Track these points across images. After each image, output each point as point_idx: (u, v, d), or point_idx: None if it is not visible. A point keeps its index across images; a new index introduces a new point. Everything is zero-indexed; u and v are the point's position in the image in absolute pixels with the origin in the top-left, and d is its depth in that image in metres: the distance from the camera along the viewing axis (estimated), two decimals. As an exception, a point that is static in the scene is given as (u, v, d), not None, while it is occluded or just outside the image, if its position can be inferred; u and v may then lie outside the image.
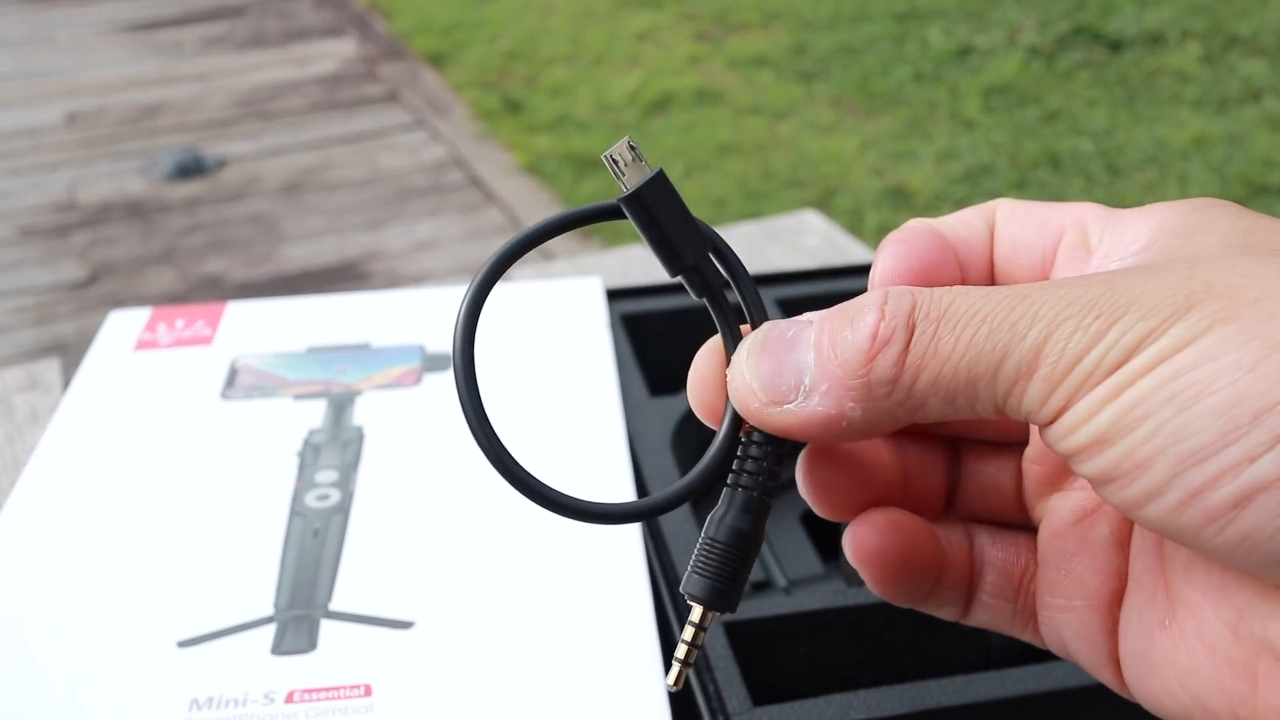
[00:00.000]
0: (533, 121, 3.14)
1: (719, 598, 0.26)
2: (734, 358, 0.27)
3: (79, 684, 0.37)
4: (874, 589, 0.28)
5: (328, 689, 0.37)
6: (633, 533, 0.43)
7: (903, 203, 2.62)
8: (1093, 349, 0.22)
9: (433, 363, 0.52)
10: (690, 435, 0.50)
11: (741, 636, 0.39)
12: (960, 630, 0.40)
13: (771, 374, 0.25)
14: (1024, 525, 0.30)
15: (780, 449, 0.27)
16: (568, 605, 0.40)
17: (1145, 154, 2.75)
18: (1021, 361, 0.23)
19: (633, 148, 0.28)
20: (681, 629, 0.27)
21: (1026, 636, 0.29)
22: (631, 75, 3.37)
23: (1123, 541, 0.27)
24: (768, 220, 0.84)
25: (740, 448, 0.27)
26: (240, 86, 3.45)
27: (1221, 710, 0.23)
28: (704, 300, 0.28)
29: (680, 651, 0.27)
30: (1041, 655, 0.48)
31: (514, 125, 3.13)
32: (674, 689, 0.27)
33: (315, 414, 0.49)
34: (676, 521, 0.44)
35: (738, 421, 0.28)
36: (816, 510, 0.29)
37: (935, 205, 2.61)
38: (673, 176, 2.78)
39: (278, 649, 0.38)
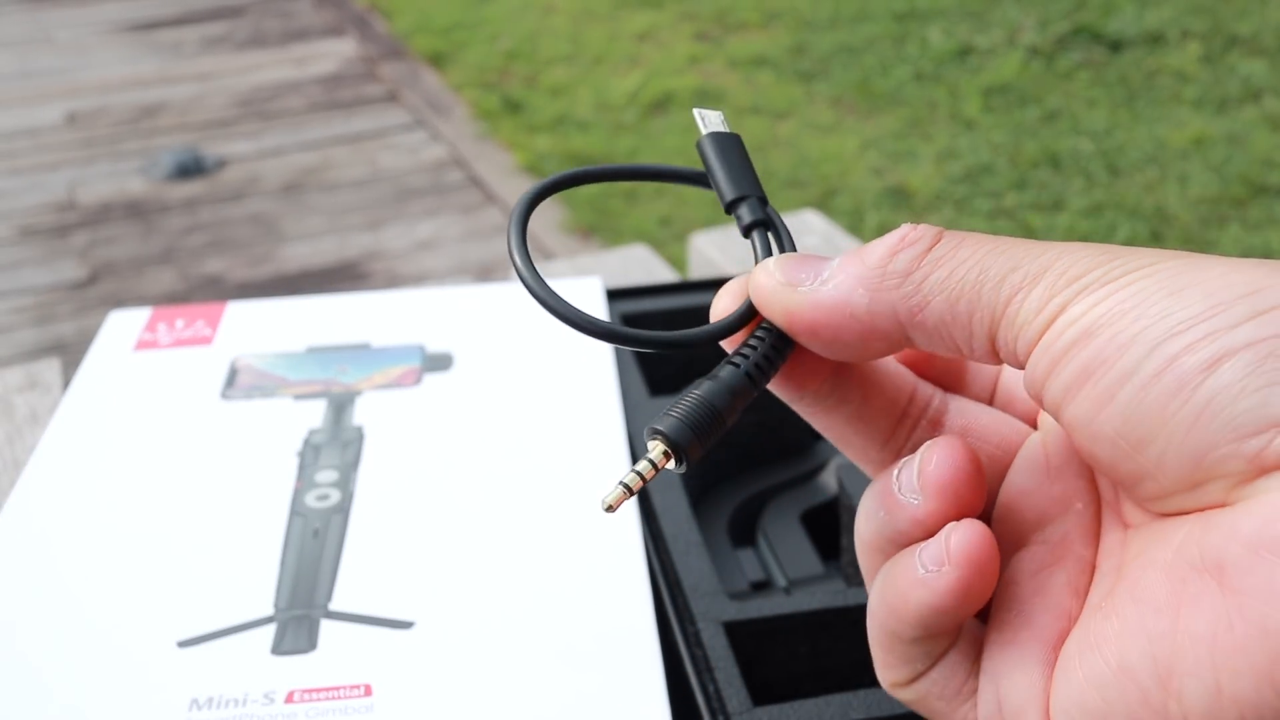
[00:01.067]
0: (533, 121, 3.14)
1: (680, 438, 0.26)
2: (768, 258, 0.28)
3: (79, 684, 0.37)
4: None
5: (328, 689, 0.37)
6: (633, 533, 0.43)
7: (903, 203, 2.62)
8: (1096, 269, 0.24)
9: (433, 363, 0.52)
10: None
11: (741, 636, 0.39)
12: None
13: (794, 266, 0.27)
14: None
15: (780, 342, 0.28)
16: (567, 605, 0.40)
17: (1145, 154, 2.75)
18: (1029, 272, 0.24)
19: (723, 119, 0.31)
20: (636, 462, 0.27)
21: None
22: (632, 75, 3.38)
23: (1091, 539, 0.27)
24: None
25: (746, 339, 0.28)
26: (240, 86, 3.45)
27: (1140, 663, 0.23)
28: (750, 232, 0.30)
29: (628, 478, 0.27)
30: None
31: (514, 125, 3.13)
32: (608, 510, 0.27)
33: (315, 414, 0.49)
34: (677, 522, 0.44)
35: (750, 313, 0.28)
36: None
37: (935, 205, 2.61)
38: (673, 176, 2.78)
39: (278, 649, 0.38)
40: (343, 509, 0.44)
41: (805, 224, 0.82)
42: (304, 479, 0.46)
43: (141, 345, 0.54)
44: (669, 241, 2.45)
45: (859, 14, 3.70)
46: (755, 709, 0.36)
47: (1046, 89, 3.12)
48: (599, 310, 0.56)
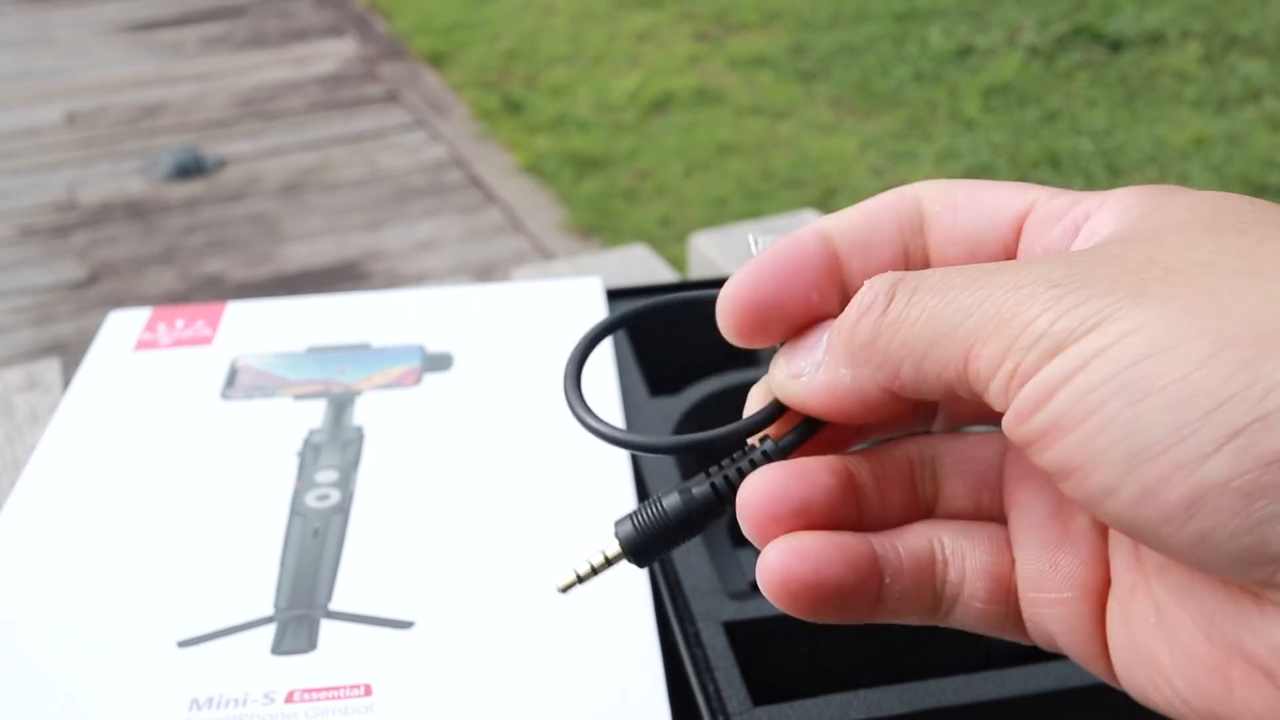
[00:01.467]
0: (532, 121, 3.14)
1: (633, 550, 0.28)
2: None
3: (79, 684, 0.37)
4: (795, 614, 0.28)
5: (328, 689, 0.37)
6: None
7: (903, 203, 2.62)
8: (1043, 315, 0.22)
9: (433, 363, 0.52)
10: (693, 424, 0.50)
11: (742, 636, 0.39)
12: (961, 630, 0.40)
13: (796, 355, 0.28)
14: (993, 519, 0.29)
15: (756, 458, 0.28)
16: (567, 605, 0.40)
17: (1145, 154, 2.75)
18: (979, 324, 0.23)
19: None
20: (596, 570, 0.28)
21: (1009, 634, 0.28)
22: (631, 75, 3.38)
23: (1104, 531, 0.26)
24: (768, 220, 0.84)
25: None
26: (240, 86, 3.45)
27: (1203, 709, 0.23)
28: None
29: (580, 566, 0.28)
30: (1042, 655, 0.48)
31: (514, 125, 3.13)
32: (560, 592, 0.28)
33: (315, 414, 0.49)
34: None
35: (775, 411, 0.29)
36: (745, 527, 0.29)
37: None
38: (673, 176, 2.79)
39: (278, 649, 0.38)
40: (343, 509, 0.44)
41: (805, 224, 0.82)
42: (304, 479, 0.46)
43: (142, 345, 0.54)
44: (669, 241, 2.45)
45: (859, 14, 3.70)
46: (755, 709, 0.36)
47: (1046, 89, 3.12)
48: (599, 310, 0.55)
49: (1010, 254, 0.28)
